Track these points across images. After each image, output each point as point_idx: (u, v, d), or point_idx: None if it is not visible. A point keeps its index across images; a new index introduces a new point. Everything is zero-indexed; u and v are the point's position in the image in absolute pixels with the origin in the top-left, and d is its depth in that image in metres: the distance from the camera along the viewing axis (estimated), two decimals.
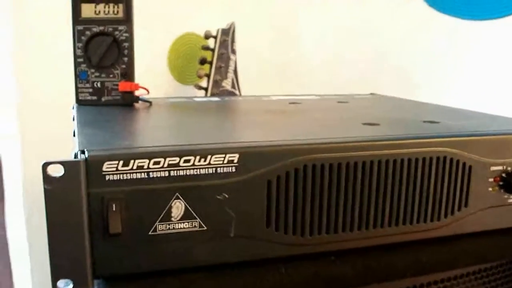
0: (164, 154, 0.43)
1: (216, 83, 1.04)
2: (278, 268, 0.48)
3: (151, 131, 0.56)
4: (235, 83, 1.06)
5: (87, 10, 0.70)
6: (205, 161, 0.44)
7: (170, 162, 0.43)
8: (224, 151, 0.45)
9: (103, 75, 0.72)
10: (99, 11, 0.70)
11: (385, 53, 1.24)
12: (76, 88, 0.72)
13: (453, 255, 0.56)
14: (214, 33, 1.06)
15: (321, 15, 1.28)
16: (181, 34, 1.19)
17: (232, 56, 1.06)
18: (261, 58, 1.28)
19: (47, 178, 0.40)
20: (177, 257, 0.45)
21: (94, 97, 0.72)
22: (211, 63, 1.05)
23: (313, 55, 1.31)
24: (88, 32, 0.71)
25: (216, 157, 0.45)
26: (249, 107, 0.75)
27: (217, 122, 0.61)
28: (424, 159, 0.52)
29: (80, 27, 0.71)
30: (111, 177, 0.42)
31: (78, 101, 0.73)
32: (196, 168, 0.44)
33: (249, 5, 1.25)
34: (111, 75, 0.72)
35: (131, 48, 0.72)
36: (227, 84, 1.05)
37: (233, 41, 1.06)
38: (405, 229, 0.53)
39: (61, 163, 0.40)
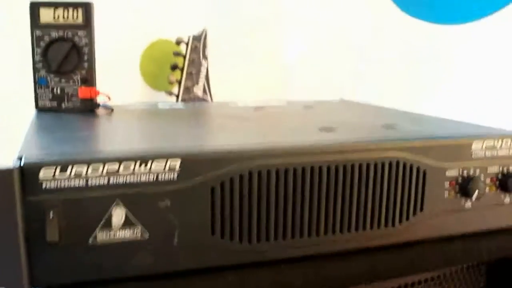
0: (103, 160, 0.42)
1: (187, 89, 1.03)
2: (224, 276, 0.48)
3: (98, 138, 0.55)
4: (207, 89, 1.06)
5: (46, 15, 0.70)
6: (145, 167, 0.44)
7: (109, 169, 0.43)
8: (165, 156, 0.44)
9: (63, 81, 0.71)
10: (58, 16, 0.70)
11: (359, 58, 1.24)
12: (36, 94, 0.71)
13: (410, 261, 0.56)
14: (185, 39, 1.06)
15: (299, 21, 1.28)
16: (153, 40, 1.18)
17: (203, 62, 1.06)
18: (238, 64, 1.28)
19: None
20: (118, 266, 0.44)
21: (54, 103, 0.72)
22: (182, 69, 1.05)
23: (291, 62, 1.31)
24: (47, 37, 0.70)
25: (157, 163, 0.44)
26: (211, 113, 0.74)
27: (170, 128, 0.61)
28: (376, 164, 0.51)
29: (39, 32, 0.70)
30: (48, 184, 0.41)
31: (37, 107, 0.72)
32: (137, 175, 0.44)
33: (224, 11, 1.25)
34: (71, 81, 0.71)
35: (91, 54, 0.71)
36: (198, 90, 1.04)
37: (204, 47, 1.06)
38: (359, 236, 0.52)
39: None
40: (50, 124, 0.61)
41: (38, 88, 0.71)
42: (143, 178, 0.44)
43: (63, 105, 0.72)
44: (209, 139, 0.54)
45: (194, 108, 0.78)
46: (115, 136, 0.56)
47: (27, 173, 0.41)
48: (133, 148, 0.46)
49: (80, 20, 0.70)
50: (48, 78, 0.71)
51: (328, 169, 0.50)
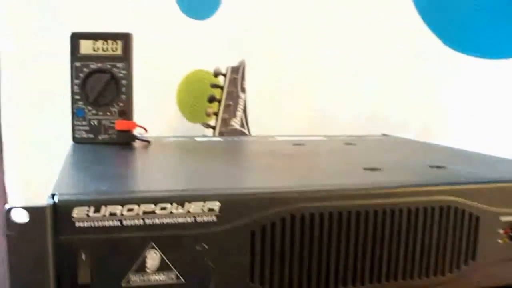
0: (139, 201, 0.40)
1: (225, 122, 1.01)
2: None
3: (134, 175, 0.53)
4: (244, 122, 1.04)
5: (86, 47, 0.69)
6: (183, 209, 0.41)
7: (145, 210, 0.41)
8: (204, 198, 0.42)
9: (100, 113, 0.70)
10: (98, 48, 0.69)
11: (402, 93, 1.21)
12: (73, 125, 0.71)
13: None
14: (223, 71, 1.05)
15: (332, 52, 1.26)
16: (191, 71, 1.18)
17: (241, 95, 1.04)
18: (272, 97, 1.26)
19: (10, 224, 0.37)
20: None
21: (91, 135, 0.71)
22: (219, 101, 1.03)
23: (324, 93, 1.29)
24: (86, 69, 0.69)
25: (195, 205, 0.42)
26: (250, 149, 0.72)
27: (208, 166, 0.58)
28: (425, 208, 0.48)
29: (78, 64, 0.69)
30: (81, 224, 0.39)
31: (74, 139, 0.71)
32: (174, 217, 0.41)
33: (258, 43, 1.24)
34: (108, 113, 0.70)
35: (129, 86, 0.70)
36: (235, 123, 1.03)
37: (243, 79, 1.04)
38: (406, 285, 0.49)
39: (26, 208, 0.37)
40: (86, 158, 0.60)
41: (75, 119, 0.71)
42: (180, 220, 0.42)
43: (99, 137, 0.71)
44: (249, 179, 0.51)
45: (232, 142, 0.76)
46: (151, 173, 0.54)
47: (60, 212, 0.39)
48: (170, 187, 0.44)
49: (119, 51, 0.69)
50: (86, 110, 0.70)
51: (375, 213, 0.47)
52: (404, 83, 1.13)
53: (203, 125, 1.05)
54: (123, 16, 1.09)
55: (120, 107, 0.70)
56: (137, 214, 0.40)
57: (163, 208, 0.41)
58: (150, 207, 0.41)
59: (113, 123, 0.70)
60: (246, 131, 1.04)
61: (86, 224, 0.39)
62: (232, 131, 1.02)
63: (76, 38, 0.69)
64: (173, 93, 1.17)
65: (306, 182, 0.49)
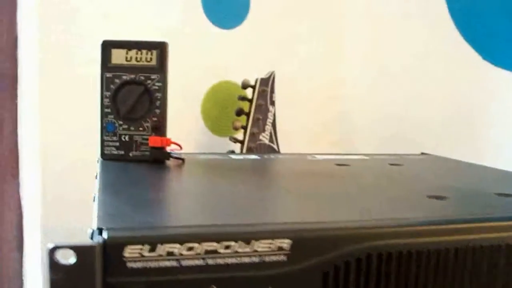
0: (200, 238, 0.35)
1: (253, 136, 0.96)
2: None
3: (184, 202, 0.47)
4: (273, 137, 0.99)
5: (118, 56, 0.64)
6: (249, 247, 0.36)
7: (207, 248, 0.35)
8: (273, 235, 0.36)
9: (132, 128, 0.65)
10: (131, 58, 0.64)
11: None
12: (102, 141, 0.65)
13: None
14: (252, 83, 0.99)
15: (367, 68, 1.21)
16: (217, 82, 1.12)
17: (271, 108, 0.99)
18: (300, 110, 1.21)
19: (55, 265, 0.32)
20: None
21: (121, 152, 0.65)
22: (248, 114, 0.98)
23: (357, 109, 1.24)
24: (117, 80, 0.64)
25: (263, 243, 0.36)
26: (292, 168, 0.66)
27: (260, 190, 0.53)
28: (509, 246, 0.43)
29: (109, 74, 0.64)
30: (134, 265, 0.34)
31: (103, 155, 0.65)
32: (239, 256, 0.36)
33: (288, 55, 1.19)
34: (140, 128, 0.65)
35: (164, 99, 0.65)
36: (264, 138, 0.97)
37: (272, 91, 0.99)
38: None
39: (73, 248, 0.32)
40: (121, 179, 0.55)
41: (105, 134, 0.65)
42: (246, 260, 0.36)
43: (130, 154, 0.65)
44: (313, 210, 0.45)
45: (271, 161, 0.70)
46: (202, 201, 0.48)
47: (110, 251, 0.33)
48: (231, 221, 0.38)
49: (154, 62, 0.64)
50: (116, 124, 0.65)
51: (456, 251, 0.41)
52: (440, 99, 1.08)
53: (230, 140, 0.99)
54: (149, 25, 1.04)
55: (153, 122, 0.65)
56: (198, 253, 0.35)
57: (227, 247, 0.35)
58: (212, 245, 0.35)
59: (146, 139, 0.65)
60: (275, 147, 0.99)
61: (139, 264, 0.34)
62: (261, 146, 0.97)
63: (107, 46, 0.64)
64: (197, 105, 1.11)
65: (377, 215, 0.43)
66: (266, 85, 0.98)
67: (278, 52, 1.18)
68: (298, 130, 1.19)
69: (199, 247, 0.35)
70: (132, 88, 0.64)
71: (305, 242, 0.37)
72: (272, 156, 0.75)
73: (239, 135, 1.00)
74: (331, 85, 1.26)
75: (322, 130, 1.25)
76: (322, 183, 0.57)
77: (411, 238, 0.40)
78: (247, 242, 0.36)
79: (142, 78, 0.64)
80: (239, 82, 1.12)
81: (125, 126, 0.65)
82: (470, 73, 1.05)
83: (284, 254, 0.37)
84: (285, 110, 1.08)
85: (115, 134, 0.65)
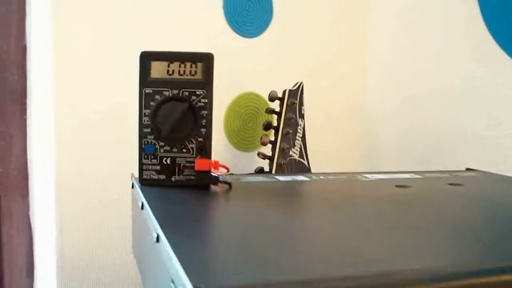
0: None
1: (283, 152, 0.90)
2: None
3: (274, 242, 0.40)
4: (303, 152, 0.93)
5: (159, 70, 0.57)
6: None
7: None
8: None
9: (174, 150, 0.58)
10: (173, 71, 0.57)
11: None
12: (140, 164, 0.58)
13: None
14: (279, 94, 0.93)
15: (393, 77, 1.16)
16: (240, 93, 1.06)
17: (300, 122, 0.92)
18: (324, 122, 1.16)
19: None
20: None
21: (162, 176, 0.58)
22: (276, 128, 0.91)
23: (382, 122, 1.18)
24: (158, 96, 0.57)
25: None
26: (357, 193, 0.60)
27: (349, 223, 0.46)
28: None
29: (148, 90, 0.57)
30: None
31: (141, 180, 0.59)
32: None
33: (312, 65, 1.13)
34: (184, 150, 0.58)
35: (209, 117, 0.58)
36: (294, 153, 0.91)
37: (301, 104, 0.93)
38: None
39: None
40: (181, 212, 0.48)
41: (144, 157, 0.58)
42: None
43: (173, 179, 0.58)
44: (440, 251, 0.39)
45: (323, 182, 0.64)
46: (301, 243, 0.40)
47: None
48: (355, 273, 0.32)
49: (199, 75, 0.58)
50: (157, 146, 0.58)
51: None
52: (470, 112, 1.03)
53: (258, 156, 0.93)
54: (171, 33, 0.98)
55: (199, 142, 0.58)
56: None
57: None
58: None
59: (190, 162, 0.58)
60: (305, 163, 0.93)
61: None
62: (291, 163, 0.91)
63: (146, 58, 0.57)
64: (220, 119, 1.04)
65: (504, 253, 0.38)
66: (295, 97, 0.92)
67: (302, 61, 1.12)
68: (322, 144, 1.13)
69: None
70: (175, 105, 0.57)
71: None
72: (321, 176, 0.69)
73: (267, 151, 0.93)
74: (356, 96, 1.21)
75: (347, 143, 1.20)
76: (406, 211, 0.51)
77: None
78: None
79: (186, 93, 0.57)
80: (261, 93, 1.06)
81: (167, 148, 0.58)
82: (505, 82, 1.00)
83: None
84: (309, 123, 1.03)
85: (155, 157, 0.58)
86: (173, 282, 0.35)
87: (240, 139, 1.06)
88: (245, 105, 1.06)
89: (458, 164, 0.99)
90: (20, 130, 0.94)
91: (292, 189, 0.61)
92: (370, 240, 0.40)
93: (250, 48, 1.05)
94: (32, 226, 0.96)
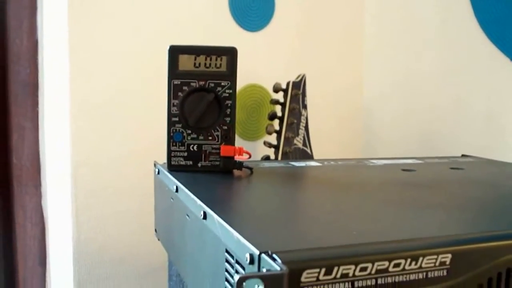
0: (372, 258, 0.33)
1: (288, 141, 0.94)
2: None
3: (315, 218, 0.45)
4: (307, 141, 0.97)
5: (186, 62, 0.61)
6: (416, 264, 0.34)
7: (379, 268, 0.33)
8: (437, 251, 0.35)
9: (201, 137, 0.62)
10: (199, 64, 0.61)
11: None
12: (169, 151, 0.62)
13: None
14: (283, 86, 0.97)
15: (390, 64, 1.21)
16: (245, 85, 1.10)
17: (303, 112, 0.97)
18: (322, 111, 1.20)
19: None
20: None
21: (189, 162, 0.63)
22: (281, 118, 0.96)
23: (379, 110, 1.23)
24: (186, 87, 0.61)
25: (428, 259, 0.35)
26: (368, 176, 0.65)
27: (368, 202, 0.51)
28: None
29: (176, 81, 0.61)
30: None
31: (170, 166, 0.63)
32: (406, 274, 0.34)
33: (312, 57, 1.18)
34: (210, 137, 0.62)
35: (233, 107, 0.62)
36: (298, 142, 0.95)
37: (304, 95, 0.97)
38: None
39: (262, 277, 0.30)
40: (220, 194, 0.52)
41: (172, 144, 0.62)
42: (412, 278, 0.34)
43: (199, 165, 0.63)
44: (449, 223, 0.44)
45: (335, 168, 0.69)
46: (334, 217, 0.45)
47: (290, 277, 0.31)
48: (397, 238, 0.36)
49: (223, 68, 0.62)
50: (184, 134, 0.62)
51: None
52: (468, 103, 1.08)
53: (264, 144, 0.97)
54: (176, 28, 1.01)
55: (223, 130, 0.62)
56: (370, 273, 0.33)
57: (396, 265, 0.34)
58: (384, 264, 0.33)
59: (215, 148, 0.62)
60: (308, 151, 0.97)
61: None
62: (296, 151, 0.95)
63: (175, 52, 0.61)
64: None
65: (507, 224, 0.43)
66: (298, 88, 0.96)
67: (303, 54, 1.17)
68: (321, 132, 1.18)
69: (372, 267, 0.33)
70: (202, 95, 0.61)
71: (464, 256, 0.36)
72: (332, 162, 0.74)
73: (272, 140, 0.98)
74: (354, 86, 1.25)
75: (347, 132, 1.25)
76: (419, 192, 0.56)
77: None
78: (415, 259, 0.34)
79: (212, 85, 0.61)
80: (265, 85, 1.10)
81: (194, 136, 0.62)
82: (499, 75, 1.05)
83: (445, 269, 0.35)
84: (311, 113, 1.07)
85: (183, 144, 0.62)
86: (228, 252, 0.39)
87: (246, 129, 1.11)
88: (249, 97, 1.10)
89: (453, 149, 1.04)
90: (32, 122, 0.97)
91: (308, 173, 0.66)
92: (392, 214, 0.45)
93: (254, 41, 1.10)
94: (45, 215, 0.99)
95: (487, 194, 0.56)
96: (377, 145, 1.23)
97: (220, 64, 0.62)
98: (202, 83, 0.61)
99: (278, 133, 0.96)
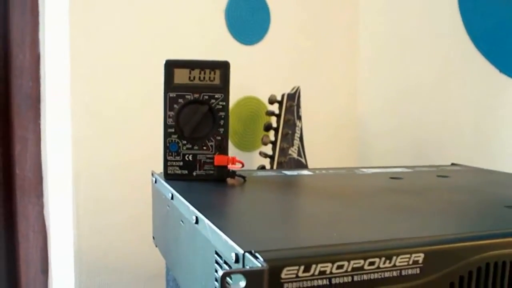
0: (348, 257, 0.36)
1: (283, 151, 0.97)
2: None
3: (300, 220, 0.48)
4: (301, 151, 1.00)
5: (181, 76, 0.64)
6: (390, 263, 0.37)
7: (354, 266, 0.36)
8: (410, 250, 0.38)
9: (195, 147, 0.65)
10: (194, 77, 0.64)
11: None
12: (165, 161, 0.65)
13: None
14: (279, 98, 1.01)
15: (384, 77, 1.24)
16: (241, 97, 1.13)
17: (298, 123, 1.00)
18: (318, 123, 1.23)
19: None
20: None
21: (185, 171, 0.65)
22: (276, 129, 0.99)
23: (374, 121, 1.26)
24: (181, 100, 0.64)
25: (402, 258, 0.37)
26: (357, 184, 0.67)
27: (354, 207, 0.53)
28: None
29: (172, 94, 0.64)
30: (290, 286, 0.34)
31: (166, 175, 0.65)
32: (381, 272, 0.37)
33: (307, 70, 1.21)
34: (204, 147, 0.65)
35: (227, 118, 0.65)
36: (293, 152, 0.98)
37: (298, 106, 1.00)
38: None
39: (244, 273, 0.32)
40: (212, 200, 0.55)
41: (168, 154, 0.65)
42: (387, 275, 0.37)
43: (194, 173, 0.65)
44: (425, 225, 0.47)
45: (326, 176, 0.72)
46: (320, 220, 0.48)
47: (271, 273, 0.34)
48: (373, 238, 0.39)
49: (217, 81, 0.65)
50: (180, 144, 0.65)
51: None
52: (460, 113, 1.11)
53: (260, 155, 1.00)
54: (177, 40, 1.05)
55: (217, 141, 0.65)
56: (346, 271, 0.36)
57: (371, 263, 0.37)
58: (359, 262, 0.36)
59: (210, 158, 0.65)
60: (303, 161, 1.00)
61: (295, 285, 0.35)
62: (291, 161, 0.98)
63: (170, 66, 0.64)
64: None
65: (481, 227, 0.45)
66: (293, 100, 0.99)
67: (298, 66, 1.20)
68: (317, 143, 1.20)
69: (348, 265, 0.36)
70: (196, 107, 0.64)
71: (436, 255, 0.39)
72: (323, 171, 0.76)
73: (268, 150, 1.01)
74: (348, 99, 1.28)
75: (340, 143, 1.27)
76: (402, 198, 0.58)
77: None
78: (389, 258, 0.37)
79: (206, 97, 0.64)
80: (261, 97, 1.13)
81: (189, 146, 0.65)
82: (488, 86, 1.08)
83: (418, 268, 0.38)
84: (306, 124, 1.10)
85: (178, 154, 0.65)
86: (217, 253, 0.42)
87: (242, 140, 1.14)
88: (246, 108, 1.13)
89: (444, 158, 1.07)
90: (34, 134, 1.00)
91: (299, 181, 0.69)
92: (373, 218, 0.48)
93: (250, 54, 1.13)
94: (47, 224, 1.02)
95: (466, 199, 0.59)
96: (372, 156, 1.26)
97: (214, 78, 0.65)
98: (196, 95, 0.64)
99: (274, 143, 0.99)
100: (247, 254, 0.35)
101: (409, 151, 1.16)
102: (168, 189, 0.61)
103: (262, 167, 1.01)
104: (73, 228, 0.96)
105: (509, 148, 1.07)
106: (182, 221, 0.54)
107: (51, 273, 1.03)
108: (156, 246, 0.72)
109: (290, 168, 0.98)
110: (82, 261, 0.97)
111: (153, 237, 0.73)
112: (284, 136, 0.98)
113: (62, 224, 0.98)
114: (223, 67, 0.65)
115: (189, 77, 0.64)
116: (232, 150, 1.13)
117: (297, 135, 1.00)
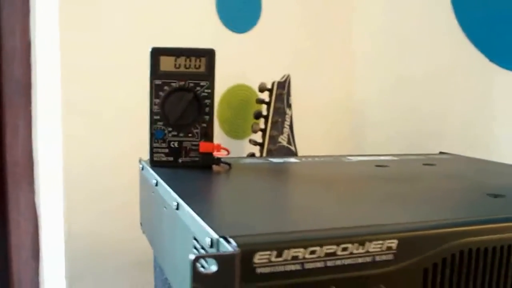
0: (321, 242, 0.36)
1: (273, 139, 0.97)
2: None
3: (280, 207, 0.48)
4: (291, 139, 1.00)
5: (167, 64, 0.65)
6: (363, 248, 0.38)
7: (327, 251, 0.37)
8: (383, 237, 0.38)
9: (181, 134, 0.65)
10: (180, 65, 0.65)
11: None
12: (151, 148, 0.66)
13: None
14: (269, 86, 1.01)
15: (378, 68, 1.24)
16: (232, 85, 1.13)
17: (287, 111, 1.00)
18: (310, 111, 1.24)
19: (197, 275, 0.33)
20: None
21: (170, 158, 0.66)
22: (266, 117, 0.99)
23: (369, 111, 1.27)
24: (167, 87, 0.64)
25: (374, 244, 0.38)
26: (342, 171, 0.68)
27: (337, 194, 0.54)
28: None
29: (158, 82, 0.65)
30: (262, 270, 0.35)
31: (152, 162, 0.66)
32: (354, 257, 0.37)
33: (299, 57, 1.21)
34: (190, 135, 0.66)
35: (212, 106, 0.65)
36: (283, 140, 0.99)
37: (288, 94, 1.01)
38: None
39: (216, 257, 0.33)
40: (196, 187, 0.56)
41: (154, 141, 0.66)
42: (360, 261, 0.38)
43: (179, 160, 0.66)
44: (402, 212, 0.47)
45: (312, 164, 0.72)
46: (298, 206, 0.48)
47: (243, 258, 0.34)
48: (346, 225, 0.40)
49: (202, 69, 0.65)
50: (166, 131, 0.65)
51: None
52: (449, 101, 1.11)
53: (250, 142, 1.01)
54: (165, 29, 1.05)
55: (203, 128, 0.66)
56: (319, 256, 0.36)
57: (344, 249, 0.37)
58: (332, 248, 0.37)
59: (195, 145, 0.66)
60: (293, 149, 1.01)
61: (267, 270, 0.35)
62: (280, 149, 0.98)
63: (156, 54, 0.64)
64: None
65: (458, 214, 0.46)
66: (283, 88, 1.00)
67: (290, 55, 1.20)
68: (312, 132, 1.21)
69: (320, 251, 0.36)
70: (182, 95, 0.64)
71: (409, 242, 0.39)
72: (309, 159, 0.77)
73: (258, 138, 1.01)
74: (340, 87, 1.29)
75: (332, 131, 1.28)
76: (384, 185, 0.59)
77: (496, 234, 0.43)
78: (362, 243, 0.38)
79: (192, 85, 0.65)
80: (252, 85, 1.14)
81: (174, 133, 0.65)
82: (477, 74, 1.08)
83: (392, 253, 0.39)
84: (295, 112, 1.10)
85: (164, 141, 0.66)
86: (195, 239, 0.42)
87: (232, 128, 1.14)
88: (236, 96, 1.13)
89: (440, 148, 1.07)
90: (25, 120, 1.00)
91: (284, 169, 0.69)
92: (351, 204, 0.48)
93: (241, 42, 1.13)
94: (38, 211, 1.03)
95: (448, 187, 0.59)
96: (367, 146, 1.27)
97: (199, 65, 0.65)
98: (182, 83, 0.64)
99: (263, 131, 0.99)
100: (220, 239, 0.36)
101: (405, 141, 1.17)
102: (153, 176, 0.61)
103: (252, 155, 1.01)
104: (64, 214, 0.97)
105: (499, 137, 1.07)
106: (165, 207, 0.54)
107: (42, 259, 1.03)
108: (143, 233, 0.72)
109: (280, 155, 0.98)
110: (72, 248, 0.98)
111: (141, 223, 0.74)
112: (274, 124, 0.98)
113: (53, 211, 0.99)
114: (208, 55, 0.65)
115: (175, 65, 0.65)
116: (223, 138, 1.13)
117: (287, 123, 1.00)
